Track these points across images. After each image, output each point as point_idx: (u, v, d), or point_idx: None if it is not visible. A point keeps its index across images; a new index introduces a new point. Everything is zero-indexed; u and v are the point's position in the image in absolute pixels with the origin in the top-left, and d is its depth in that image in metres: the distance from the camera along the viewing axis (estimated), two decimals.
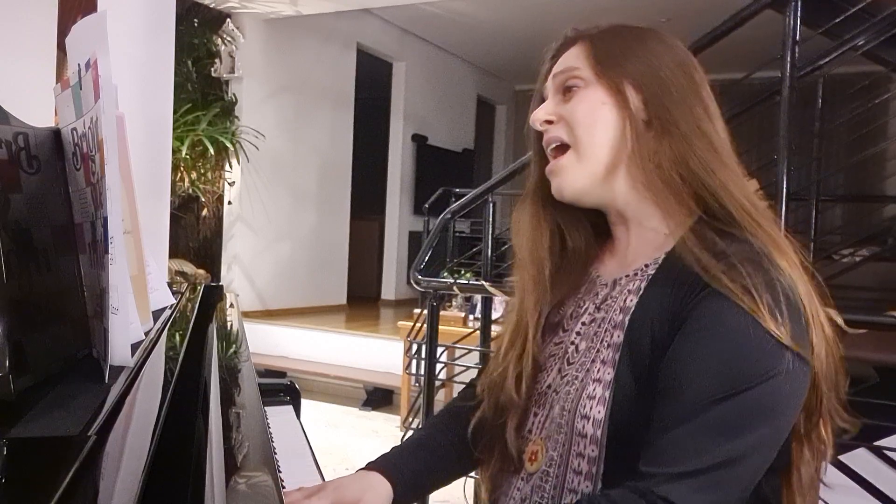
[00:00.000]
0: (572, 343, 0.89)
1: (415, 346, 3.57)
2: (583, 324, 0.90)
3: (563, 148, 0.88)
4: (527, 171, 0.99)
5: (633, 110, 0.85)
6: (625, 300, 0.86)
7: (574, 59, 0.89)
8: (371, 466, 0.93)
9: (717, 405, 0.72)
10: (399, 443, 1.02)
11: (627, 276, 0.88)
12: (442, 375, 3.28)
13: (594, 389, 0.82)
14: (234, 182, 5.99)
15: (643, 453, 0.74)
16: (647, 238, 0.88)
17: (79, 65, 0.66)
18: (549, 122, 0.89)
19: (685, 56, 0.89)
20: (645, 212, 0.87)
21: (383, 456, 0.96)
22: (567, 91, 0.88)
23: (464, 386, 1.10)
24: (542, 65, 0.94)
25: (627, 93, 0.85)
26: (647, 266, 0.86)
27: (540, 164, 0.94)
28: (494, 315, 3.51)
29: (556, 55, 0.93)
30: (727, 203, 0.81)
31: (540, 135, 0.92)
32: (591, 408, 0.81)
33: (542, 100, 0.93)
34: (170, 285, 1.14)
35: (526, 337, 0.92)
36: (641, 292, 0.84)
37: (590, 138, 0.86)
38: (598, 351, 0.85)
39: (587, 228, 0.95)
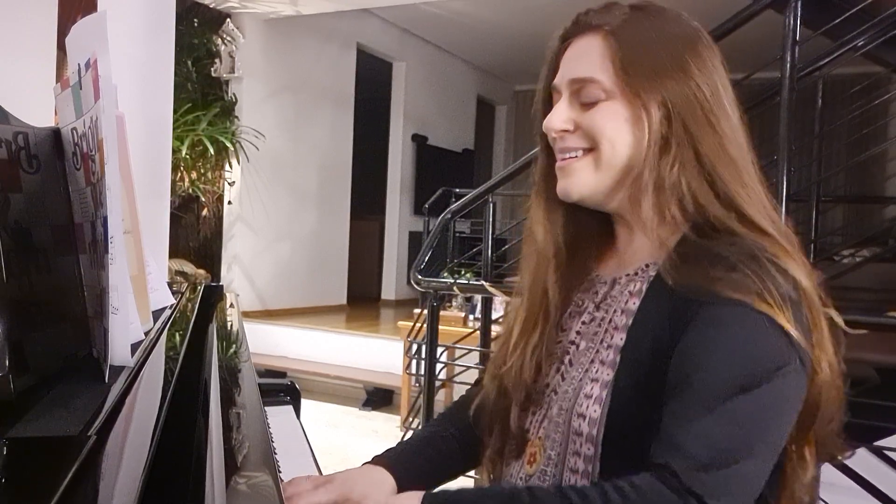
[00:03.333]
0: (572, 343, 0.89)
1: (415, 346, 3.57)
2: (583, 323, 0.89)
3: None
4: (532, 167, 0.95)
5: (654, 128, 0.81)
6: (626, 301, 0.85)
7: (593, 63, 0.83)
8: (376, 460, 0.94)
9: (736, 398, 0.71)
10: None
11: (628, 274, 0.87)
12: (442, 375, 3.28)
13: (591, 389, 0.82)
14: (234, 182, 5.99)
15: (657, 446, 0.73)
16: (643, 241, 0.87)
17: (79, 65, 0.66)
18: (566, 131, 0.85)
19: (706, 49, 0.83)
20: (636, 221, 0.87)
21: (389, 450, 0.96)
22: (585, 102, 0.84)
23: (467, 385, 1.10)
24: (551, 44, 0.89)
25: (651, 110, 0.81)
26: (647, 266, 0.85)
27: (546, 154, 0.91)
28: (494, 315, 3.51)
29: (568, 37, 0.87)
30: (743, 231, 0.79)
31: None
32: (587, 406, 0.81)
33: (550, 92, 0.89)
34: (170, 285, 1.14)
35: (545, 323, 0.91)
36: (643, 295, 0.83)
37: (612, 151, 0.83)
38: (597, 351, 0.85)
39: (595, 216, 0.92)
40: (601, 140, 0.83)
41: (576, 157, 0.85)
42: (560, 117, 0.85)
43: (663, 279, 0.80)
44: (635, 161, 0.83)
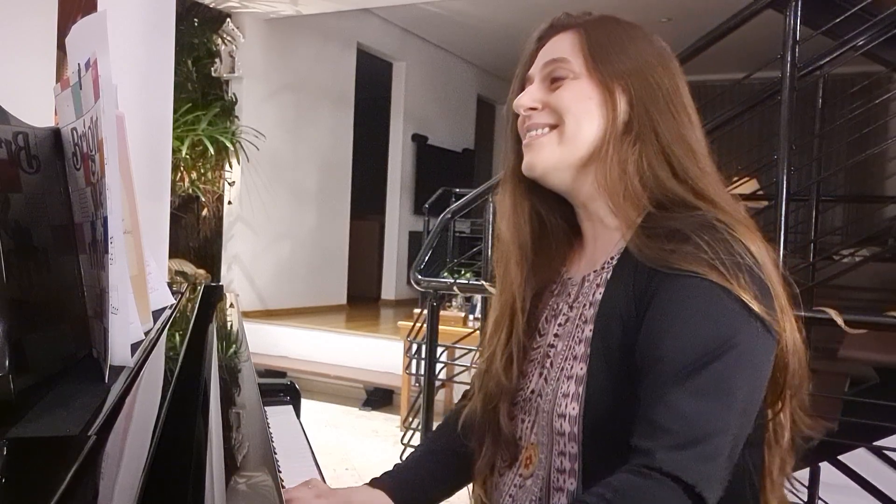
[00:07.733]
0: (550, 346, 0.90)
1: (415, 346, 3.57)
2: (559, 325, 0.91)
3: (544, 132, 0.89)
4: (503, 155, 0.98)
5: (618, 112, 0.85)
6: (593, 294, 0.87)
7: (565, 49, 0.88)
8: (374, 483, 0.95)
9: (702, 370, 0.72)
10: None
11: (595, 270, 0.89)
12: (442, 375, 3.28)
13: (568, 387, 0.83)
14: (234, 182, 5.99)
15: (635, 429, 0.74)
16: (610, 235, 0.89)
17: (79, 64, 0.66)
18: (533, 109, 0.89)
19: (671, 59, 0.90)
20: (603, 209, 0.88)
21: (385, 473, 0.97)
22: (554, 81, 0.88)
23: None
24: (528, 45, 0.94)
25: (616, 94, 0.85)
26: (612, 259, 0.87)
27: (516, 148, 0.93)
28: None
29: (544, 38, 0.92)
30: (703, 207, 0.82)
31: (517, 119, 0.92)
32: (565, 405, 0.82)
33: (524, 83, 0.93)
34: (170, 285, 1.14)
35: (512, 320, 0.93)
36: (607, 282, 0.85)
37: (576, 127, 0.86)
38: (570, 348, 0.86)
39: (563, 213, 0.95)
40: (566, 116, 0.87)
41: (542, 133, 0.88)
42: (530, 96, 0.90)
43: (626, 260, 0.83)
44: (600, 141, 0.86)
